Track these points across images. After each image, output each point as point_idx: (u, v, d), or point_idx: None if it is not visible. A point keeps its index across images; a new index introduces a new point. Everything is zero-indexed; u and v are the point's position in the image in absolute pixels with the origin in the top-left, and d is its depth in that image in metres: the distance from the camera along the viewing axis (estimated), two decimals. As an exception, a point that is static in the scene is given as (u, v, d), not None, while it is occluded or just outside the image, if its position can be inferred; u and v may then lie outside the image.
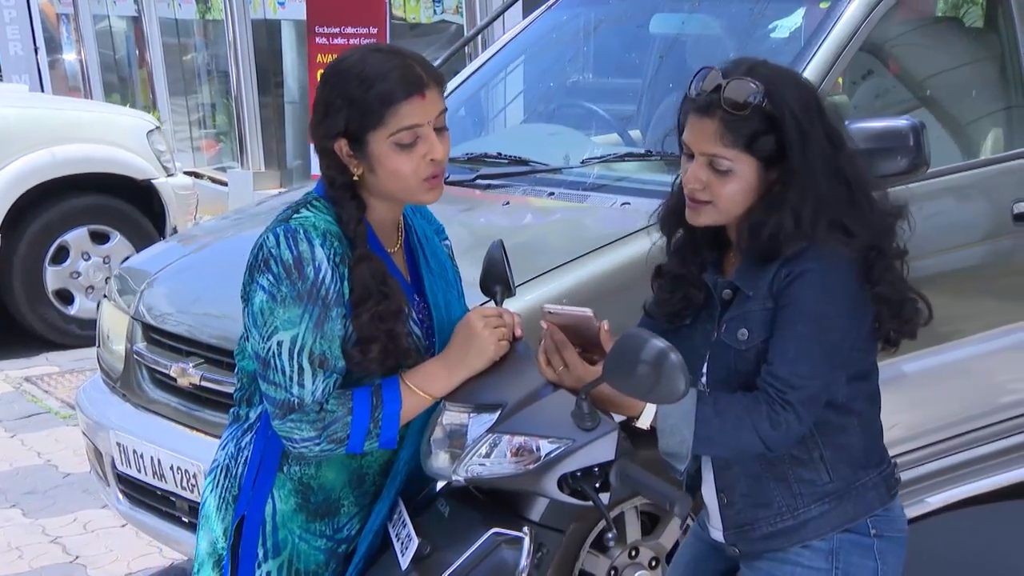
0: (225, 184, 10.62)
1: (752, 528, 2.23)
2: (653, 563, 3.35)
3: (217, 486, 2.31)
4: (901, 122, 3.49)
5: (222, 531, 2.29)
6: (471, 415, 2.19)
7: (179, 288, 3.86)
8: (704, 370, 2.22)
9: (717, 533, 2.30)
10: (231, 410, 2.39)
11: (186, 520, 3.59)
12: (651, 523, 3.37)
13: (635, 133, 4.40)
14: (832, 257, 2.12)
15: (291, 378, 2.12)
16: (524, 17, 8.12)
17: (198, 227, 5.14)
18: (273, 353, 2.12)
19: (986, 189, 3.99)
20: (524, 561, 2.13)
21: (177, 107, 12.22)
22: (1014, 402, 4.11)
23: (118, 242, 7.02)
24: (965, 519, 2.51)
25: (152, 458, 3.58)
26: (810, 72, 3.58)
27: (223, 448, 2.34)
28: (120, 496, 3.83)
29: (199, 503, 2.43)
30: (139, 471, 3.65)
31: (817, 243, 2.12)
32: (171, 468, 3.52)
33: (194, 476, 3.43)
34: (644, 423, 2.13)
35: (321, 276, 2.12)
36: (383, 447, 2.20)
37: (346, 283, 2.15)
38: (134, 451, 3.65)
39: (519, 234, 3.49)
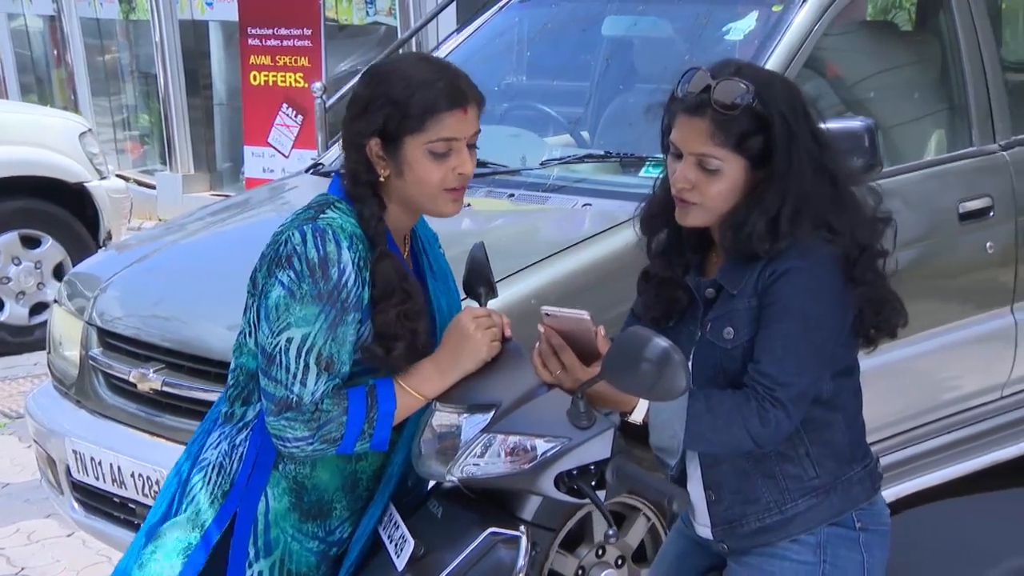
0: (152, 187, 10.49)
1: (740, 524, 2.27)
2: (619, 561, 3.39)
3: (208, 483, 2.28)
4: (855, 123, 3.58)
5: (201, 523, 2.25)
6: (464, 416, 2.21)
7: (136, 293, 3.82)
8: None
9: (704, 530, 2.34)
10: (220, 410, 2.36)
11: (145, 527, 3.56)
12: (617, 522, 3.41)
13: (583, 134, 4.45)
14: (816, 255, 2.17)
15: (294, 376, 2.12)
16: (458, 20, 8.20)
17: (145, 232, 5.10)
18: (281, 349, 2.12)
19: (932, 189, 4.09)
20: (522, 560, 2.16)
21: (99, 109, 12.03)
22: (957, 398, 4.21)
23: (50, 247, 6.88)
24: (935, 512, 2.57)
25: (112, 465, 3.53)
26: (772, 68, 3.65)
27: (215, 447, 2.30)
28: (75, 504, 3.78)
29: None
30: (97, 478, 3.61)
31: (799, 242, 2.16)
32: (132, 475, 3.48)
33: (156, 482, 3.40)
34: (636, 418, 2.16)
35: (344, 279, 2.13)
36: (374, 448, 2.21)
37: (367, 288, 2.16)
38: (92, 458, 3.61)
39: (484, 237, 3.49)
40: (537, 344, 2.19)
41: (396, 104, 2.15)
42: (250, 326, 2.24)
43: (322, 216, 2.17)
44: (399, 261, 2.21)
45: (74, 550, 4.50)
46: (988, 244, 4.10)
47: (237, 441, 2.28)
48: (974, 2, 4.27)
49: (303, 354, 2.12)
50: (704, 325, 2.25)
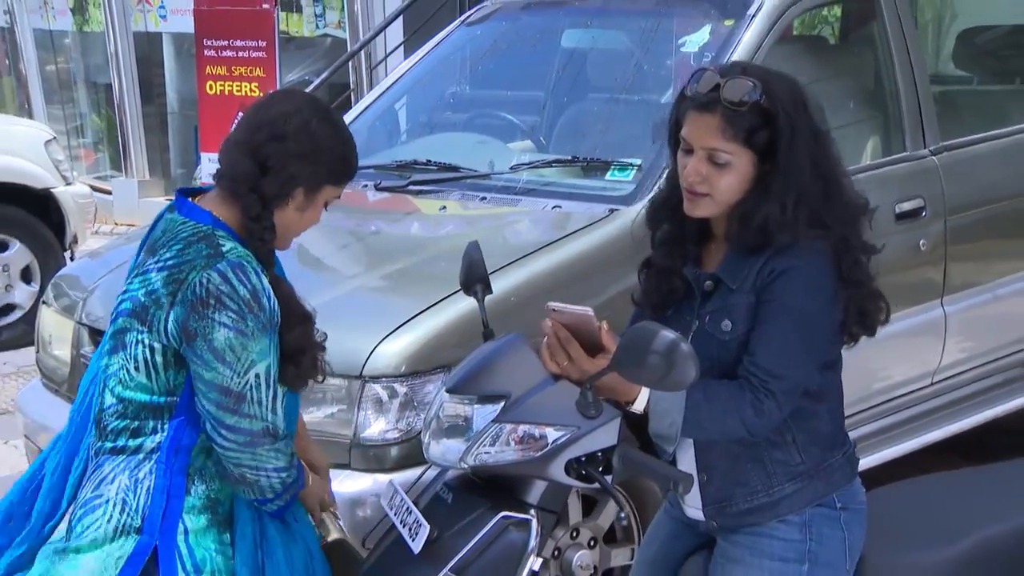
0: (106, 192, 10.33)
1: (730, 504, 2.28)
2: (592, 543, 3.39)
3: (109, 521, 2.16)
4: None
5: (114, 561, 2.15)
6: (474, 406, 2.20)
7: (126, 293, 3.75)
8: None
9: (694, 512, 2.34)
10: (102, 445, 2.22)
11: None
12: (588, 507, 3.41)
13: (541, 139, 4.45)
14: (813, 254, 2.18)
15: (267, 406, 2.13)
16: (405, 32, 8.17)
17: (126, 236, 5.00)
18: (251, 386, 2.11)
19: (872, 192, 4.12)
20: (534, 542, 2.17)
21: (52, 116, 11.80)
22: (892, 385, 4.28)
23: (17, 250, 6.75)
24: (902, 490, 2.62)
25: (105, 458, 3.46)
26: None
27: (111, 483, 2.18)
28: (66, 497, 3.70)
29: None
30: (90, 471, 3.53)
31: (800, 238, 2.17)
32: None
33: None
34: (638, 407, 2.16)
35: (271, 304, 2.14)
36: (277, 508, 2.25)
37: None
38: (85, 452, 3.53)
39: (463, 238, 3.48)
40: (545, 338, 2.19)
41: (344, 160, 2.25)
42: (138, 362, 2.16)
43: (226, 250, 2.14)
44: (288, 283, 2.25)
45: (57, 541, 4.40)
46: (921, 242, 4.18)
47: (140, 475, 2.17)
48: (904, 18, 4.34)
49: (271, 383, 2.13)
50: (702, 317, 2.25)
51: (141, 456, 2.18)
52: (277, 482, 2.16)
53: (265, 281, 2.13)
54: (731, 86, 2.16)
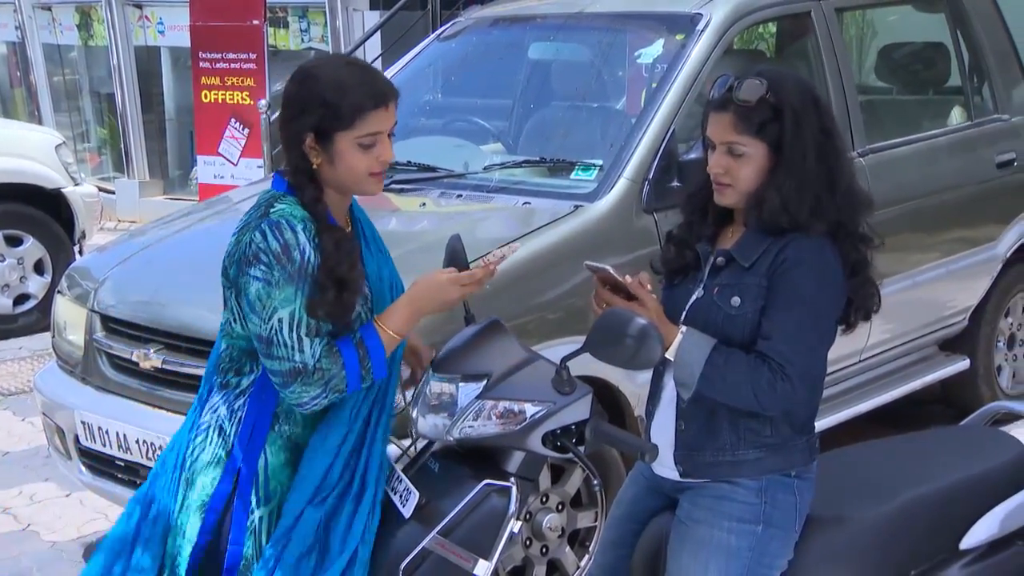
0: (110, 192, 10.19)
1: (698, 453, 2.25)
2: (560, 507, 3.38)
3: (211, 444, 2.23)
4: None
5: (210, 480, 2.21)
6: (459, 384, 2.18)
7: (136, 283, 3.69)
8: (682, 319, 2.24)
9: (664, 469, 2.31)
10: (214, 380, 2.29)
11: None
12: (556, 475, 3.40)
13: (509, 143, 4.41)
14: (824, 249, 2.16)
15: (292, 348, 2.10)
16: (383, 45, 8.11)
17: (129, 232, 4.92)
18: (275, 331, 2.10)
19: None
20: (514, 507, 2.14)
21: (60, 123, 11.61)
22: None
23: (31, 245, 6.63)
24: (840, 456, 2.62)
25: (118, 433, 3.42)
26: (676, 88, 3.69)
27: (213, 412, 2.25)
28: (83, 468, 3.65)
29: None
30: (104, 445, 3.48)
31: (801, 222, 2.14)
32: (137, 441, 3.37)
33: (159, 447, 3.29)
34: (669, 354, 2.15)
35: (306, 257, 2.11)
36: (376, 380, 2.19)
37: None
38: (99, 428, 3.48)
39: (443, 232, 3.45)
40: (595, 289, 2.20)
41: (328, 106, 2.13)
42: (234, 315, 2.21)
43: (272, 210, 2.15)
44: (339, 230, 2.20)
45: (73, 508, 4.34)
46: (850, 234, 4.18)
47: (236, 407, 2.23)
48: (833, 34, 4.35)
49: (294, 328, 2.10)
50: (709, 288, 2.24)
51: (239, 391, 2.23)
52: (325, 401, 2.12)
53: (301, 235, 2.10)
54: (741, 86, 2.16)
